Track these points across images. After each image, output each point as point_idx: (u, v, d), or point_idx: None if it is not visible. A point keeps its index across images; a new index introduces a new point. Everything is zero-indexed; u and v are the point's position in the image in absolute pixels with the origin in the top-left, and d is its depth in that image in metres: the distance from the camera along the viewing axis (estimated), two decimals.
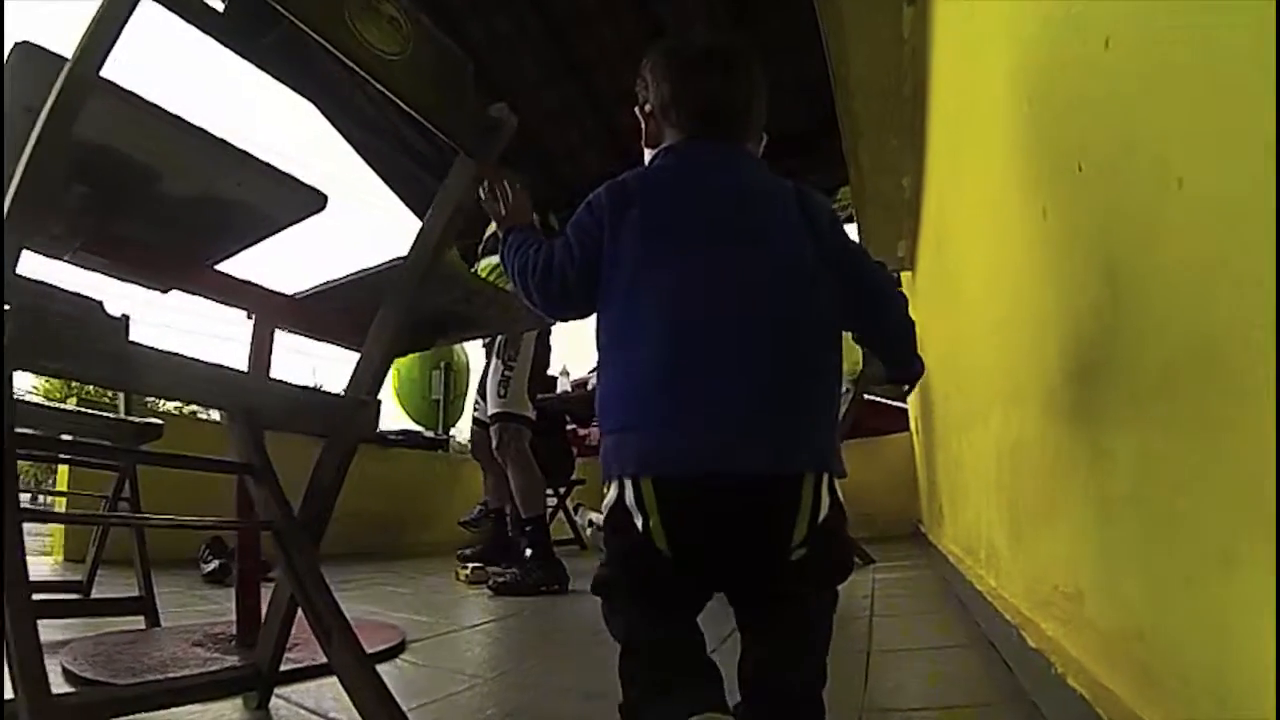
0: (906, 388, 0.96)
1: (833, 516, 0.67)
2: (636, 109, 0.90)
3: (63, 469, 3.06)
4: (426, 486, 4.92)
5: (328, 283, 1.76)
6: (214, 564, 2.58)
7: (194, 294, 1.60)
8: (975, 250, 1.45)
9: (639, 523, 0.67)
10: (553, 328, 3.04)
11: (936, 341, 2.37)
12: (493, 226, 3.25)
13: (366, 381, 1.05)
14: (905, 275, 3.50)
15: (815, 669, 0.69)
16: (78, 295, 2.03)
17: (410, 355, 6.74)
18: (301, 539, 1.03)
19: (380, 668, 1.46)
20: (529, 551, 2.56)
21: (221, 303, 1.63)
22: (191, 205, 1.43)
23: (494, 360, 2.91)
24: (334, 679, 1.33)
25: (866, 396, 3.27)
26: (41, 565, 3.01)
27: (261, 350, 1.70)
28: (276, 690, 1.22)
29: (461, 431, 6.51)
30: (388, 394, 6.62)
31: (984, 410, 1.45)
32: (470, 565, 2.87)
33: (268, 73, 4.14)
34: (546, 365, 3.21)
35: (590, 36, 4.12)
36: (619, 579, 0.73)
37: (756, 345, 0.68)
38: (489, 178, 1.07)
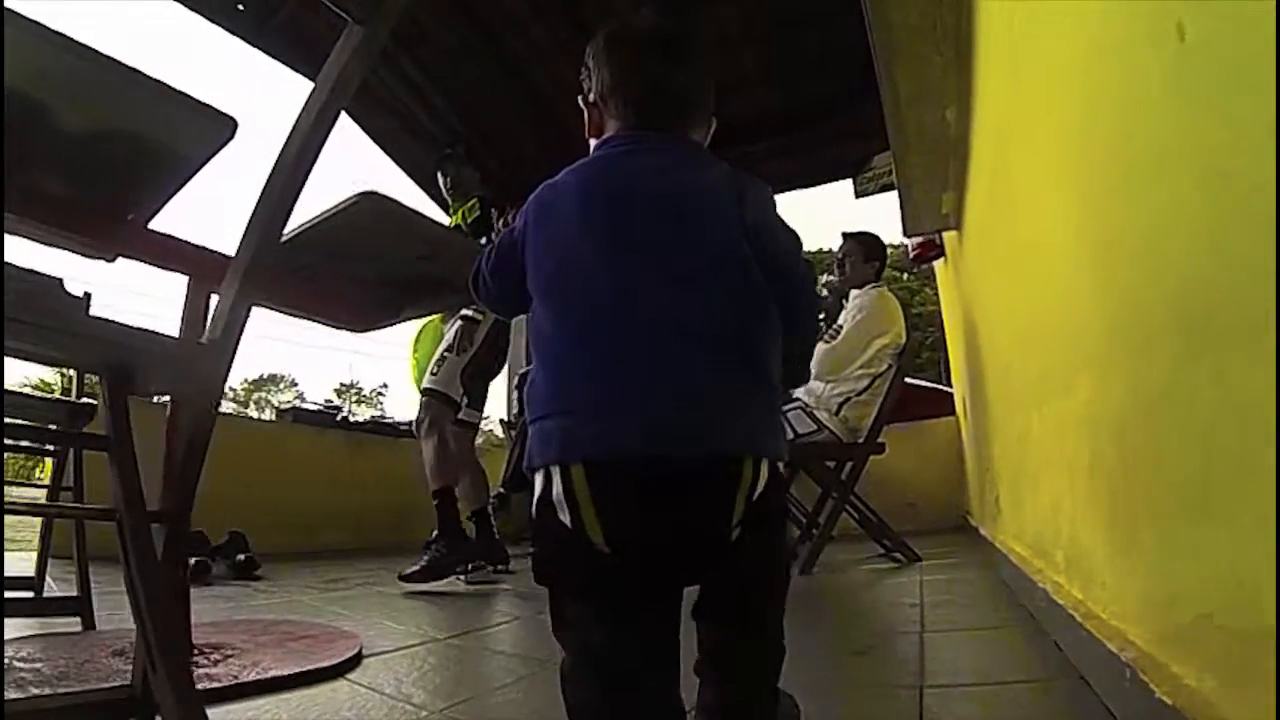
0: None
1: (770, 494, 0.66)
2: (580, 98, 0.85)
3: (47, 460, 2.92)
4: None
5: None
6: (191, 560, 2.37)
7: (130, 257, 1.40)
8: (1052, 161, 1.13)
9: (565, 518, 0.63)
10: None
11: (990, 303, 2.04)
12: (451, 221, 3.16)
13: (217, 324, 0.79)
14: (949, 237, 3.14)
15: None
16: (35, 273, 1.74)
17: (428, 342, 6.57)
18: (144, 537, 0.78)
19: (318, 688, 1.22)
20: (434, 534, 2.57)
21: (155, 265, 1.41)
22: (90, 143, 1.22)
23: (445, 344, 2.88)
24: (243, 704, 1.10)
25: (908, 380, 2.94)
26: (24, 560, 2.86)
27: (194, 318, 1.46)
28: None
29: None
30: (407, 383, 6.49)
31: (1066, 375, 1.13)
32: (471, 565, 2.66)
33: (274, 57, 4.01)
34: (502, 362, 3.12)
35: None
36: (557, 582, 0.69)
37: (686, 336, 0.66)
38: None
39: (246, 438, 3.67)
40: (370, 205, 1.27)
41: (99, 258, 1.46)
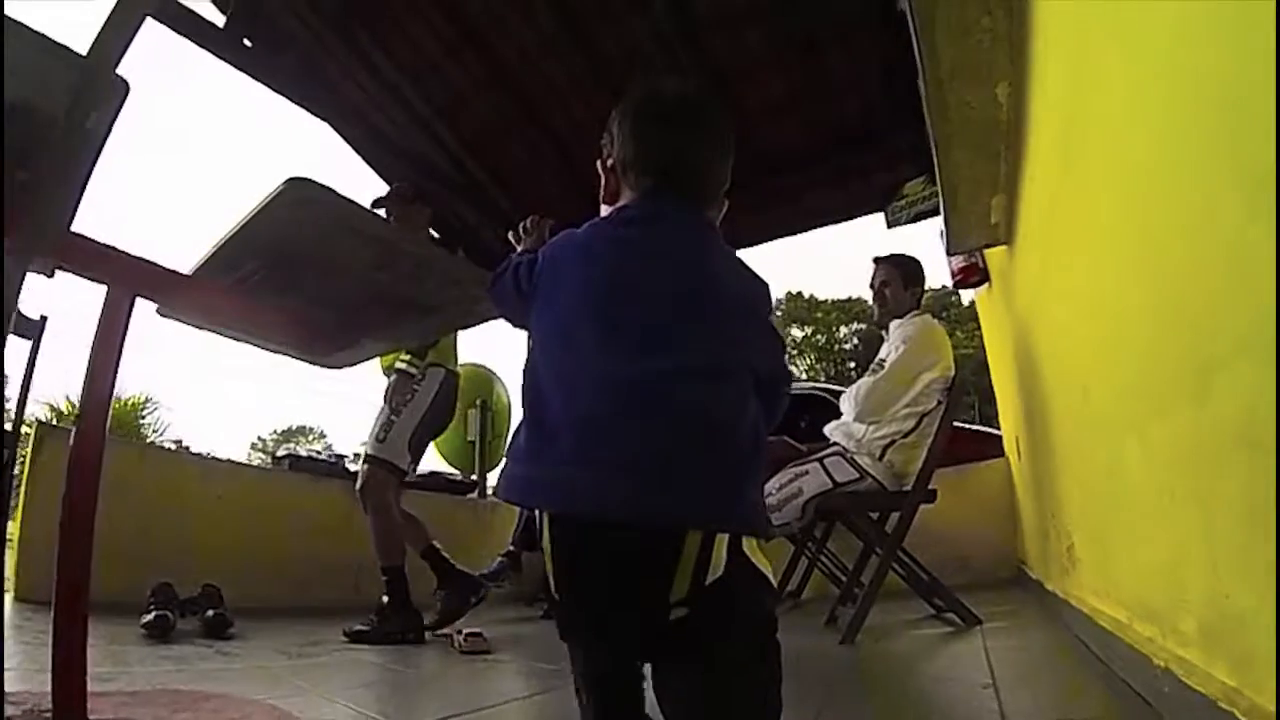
0: None
1: (732, 579, 0.65)
2: (599, 163, 0.87)
3: None
4: (448, 535, 4.40)
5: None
6: (152, 614, 2.10)
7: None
8: (1150, 134, 0.88)
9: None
10: None
11: (1056, 318, 1.75)
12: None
13: None
14: (995, 255, 2.84)
15: None
16: None
17: None
18: None
19: None
20: (385, 599, 2.57)
21: (70, 272, 1.22)
22: None
23: (384, 404, 2.72)
24: None
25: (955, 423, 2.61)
26: None
27: (112, 332, 1.25)
28: None
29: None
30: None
31: (1197, 374, 0.85)
32: (465, 632, 2.40)
33: (286, 96, 3.98)
34: (448, 419, 2.97)
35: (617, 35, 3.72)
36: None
37: (662, 410, 0.67)
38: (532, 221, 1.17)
39: (235, 485, 3.43)
40: (295, 193, 1.05)
41: (36, 271, 1.28)
